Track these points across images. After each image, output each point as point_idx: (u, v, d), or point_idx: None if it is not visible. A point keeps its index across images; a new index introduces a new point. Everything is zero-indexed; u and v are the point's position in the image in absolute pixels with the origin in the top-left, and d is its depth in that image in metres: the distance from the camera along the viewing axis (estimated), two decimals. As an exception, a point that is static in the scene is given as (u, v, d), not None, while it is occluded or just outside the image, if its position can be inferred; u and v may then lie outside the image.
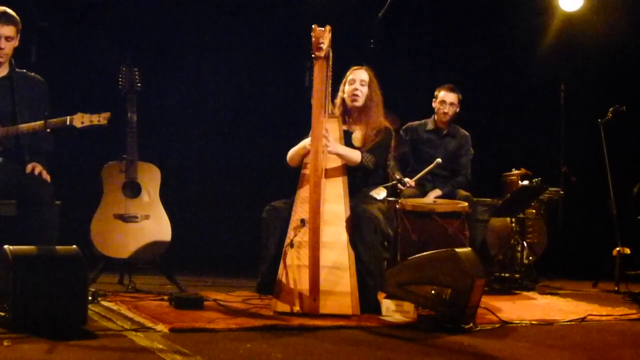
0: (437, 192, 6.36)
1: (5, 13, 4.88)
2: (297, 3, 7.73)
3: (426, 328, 4.25)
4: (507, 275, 6.68)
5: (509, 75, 8.23)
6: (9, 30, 4.87)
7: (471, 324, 4.30)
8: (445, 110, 6.59)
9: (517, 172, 7.05)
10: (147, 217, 5.52)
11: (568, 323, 4.70)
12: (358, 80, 5.20)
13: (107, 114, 4.88)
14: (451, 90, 6.62)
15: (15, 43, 4.94)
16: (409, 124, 6.70)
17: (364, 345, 3.86)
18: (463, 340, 3.98)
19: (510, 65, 8.23)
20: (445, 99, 6.60)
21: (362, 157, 5.03)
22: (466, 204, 6.06)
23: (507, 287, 6.41)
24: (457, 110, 6.65)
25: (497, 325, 4.46)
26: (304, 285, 4.61)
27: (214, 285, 5.96)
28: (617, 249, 6.56)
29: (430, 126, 6.70)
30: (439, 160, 6.20)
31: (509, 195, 6.69)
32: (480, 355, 3.65)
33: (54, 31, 6.86)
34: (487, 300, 4.99)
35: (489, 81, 8.09)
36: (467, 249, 4.62)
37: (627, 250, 6.56)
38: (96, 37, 7.17)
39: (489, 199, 6.60)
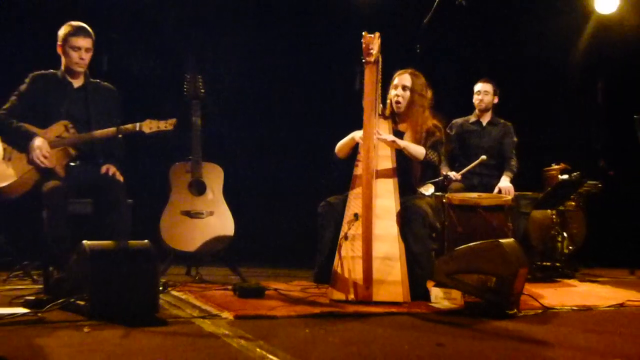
0: (507, 181, 6.35)
1: (83, 28, 4.98)
2: (347, 10, 7.74)
3: (472, 314, 4.24)
4: (548, 264, 6.63)
5: (549, 74, 8.12)
6: (87, 42, 4.97)
7: (515, 310, 4.29)
8: (481, 98, 6.68)
9: (557, 166, 7.00)
10: (211, 213, 5.57)
11: (607, 309, 4.66)
12: (400, 86, 5.17)
13: (173, 120, 4.94)
14: (485, 81, 6.71)
15: (91, 54, 5.04)
16: (454, 120, 6.73)
17: (414, 330, 3.87)
18: (507, 325, 3.98)
19: (550, 64, 8.13)
20: (480, 89, 6.69)
21: (427, 153, 5.04)
22: (510, 197, 6.04)
23: (548, 275, 6.37)
24: (495, 100, 6.71)
25: (540, 311, 4.44)
26: (358, 275, 4.62)
27: (273, 276, 6.01)
28: (655, 238, 6.51)
29: (472, 119, 6.75)
30: (484, 157, 6.20)
31: (549, 188, 6.65)
32: (524, 339, 3.64)
33: (126, 42, 6.94)
34: (530, 288, 4.96)
35: (529, 81, 8.01)
36: (511, 240, 4.60)
37: (664, 240, 6.51)
38: (160, 47, 7.26)
39: (530, 193, 6.54)
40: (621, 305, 4.77)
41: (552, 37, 8.09)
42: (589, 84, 7.94)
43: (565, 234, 6.74)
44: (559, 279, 6.28)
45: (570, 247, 6.80)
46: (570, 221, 6.86)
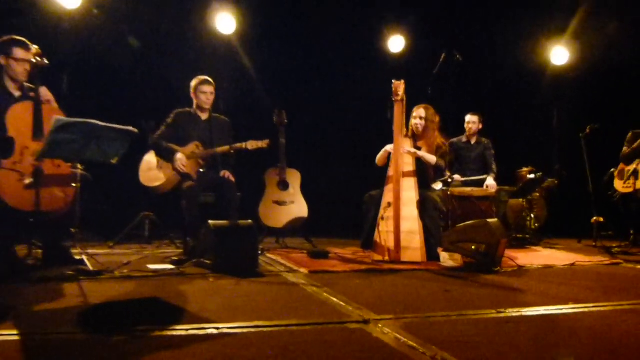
0: (491, 179, 6.23)
1: (208, 79, 5.04)
2: (383, 62, 7.73)
3: (469, 270, 4.20)
4: (520, 236, 6.52)
5: (519, 105, 8.02)
6: (211, 89, 5.04)
7: (499, 268, 4.23)
8: (470, 127, 6.57)
9: (526, 169, 6.88)
10: (292, 202, 5.61)
11: (563, 267, 4.56)
12: (418, 116, 5.15)
13: (267, 140, 4.96)
14: (473, 113, 6.60)
15: (214, 97, 5.09)
16: (451, 140, 6.62)
17: (429, 280, 3.85)
18: (494, 278, 3.93)
19: (520, 99, 8.03)
20: (469, 120, 6.58)
21: (437, 160, 5.01)
22: (494, 190, 5.97)
23: (521, 244, 6.26)
24: (480, 126, 6.59)
25: (516, 269, 4.37)
26: (390, 243, 4.62)
27: (334, 244, 6.01)
28: (595, 217, 6.35)
29: (464, 139, 6.63)
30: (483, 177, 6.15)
31: (521, 184, 6.55)
32: (505, 287, 3.59)
33: (238, 88, 7.02)
34: (509, 252, 4.87)
35: (507, 111, 7.89)
36: (495, 220, 4.53)
37: (601, 219, 6.35)
38: (257, 97, 7.35)
39: (507, 187, 6.44)
40: (572, 264, 4.66)
41: (521, 81, 7.98)
42: (548, 112, 7.80)
43: (532, 215, 6.64)
44: (528, 246, 6.16)
45: (536, 225, 6.68)
46: (536, 206, 6.72)
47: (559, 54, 7.92)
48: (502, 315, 2.79)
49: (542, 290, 3.49)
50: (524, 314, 2.83)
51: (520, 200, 6.65)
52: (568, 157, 7.22)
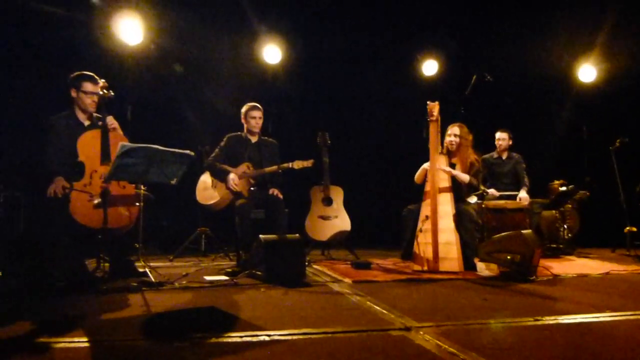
0: (524, 192, 6.07)
1: (257, 105, 5.07)
2: (418, 85, 7.68)
3: (505, 279, 4.08)
4: (554, 245, 6.33)
5: (549, 122, 7.85)
6: (260, 114, 5.05)
7: (534, 277, 4.10)
8: (500, 143, 6.40)
9: (557, 182, 6.71)
10: (336, 216, 5.58)
11: (597, 275, 4.39)
12: (453, 134, 5.07)
13: (311, 160, 4.96)
14: (502, 130, 6.43)
15: (262, 120, 5.12)
16: (483, 156, 6.48)
17: (468, 289, 3.75)
18: (530, 287, 3.81)
19: (548, 115, 7.86)
20: (499, 137, 6.41)
21: (470, 179, 4.90)
22: (527, 202, 5.81)
23: (555, 253, 6.06)
24: (510, 142, 6.40)
25: (551, 277, 4.23)
26: (429, 254, 4.53)
27: (375, 255, 5.95)
28: (628, 227, 6.13)
29: (495, 155, 6.48)
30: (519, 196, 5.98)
31: (553, 196, 6.37)
32: (541, 296, 3.47)
33: (284, 112, 7.05)
34: (543, 262, 4.72)
35: (538, 125, 7.73)
36: (529, 231, 4.40)
37: (634, 229, 6.13)
38: (301, 116, 7.39)
39: (540, 199, 6.27)
40: (607, 273, 4.49)
41: (551, 97, 7.81)
42: (578, 126, 7.59)
43: (565, 226, 6.43)
44: (562, 256, 5.96)
45: (569, 235, 6.47)
46: (568, 217, 6.52)
47: (587, 72, 7.72)
48: (539, 322, 2.69)
49: (578, 299, 3.36)
50: (560, 321, 2.72)
51: (553, 211, 6.47)
52: (598, 170, 7.00)
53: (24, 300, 3.26)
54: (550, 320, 2.73)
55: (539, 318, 2.75)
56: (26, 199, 5.28)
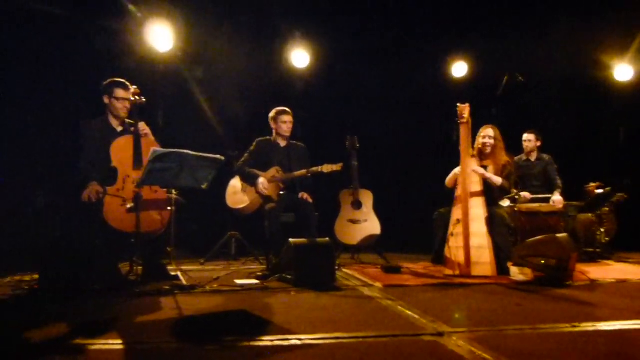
0: (557, 195, 5.94)
1: (286, 109, 5.08)
2: (448, 87, 7.61)
3: (540, 284, 3.99)
4: (591, 250, 6.16)
5: (587, 124, 7.67)
6: (290, 118, 5.06)
7: (570, 282, 4.01)
8: (527, 145, 6.26)
9: (593, 184, 6.53)
10: (366, 220, 5.54)
11: (637, 281, 4.26)
12: (486, 136, 4.99)
13: (341, 164, 4.93)
14: (529, 131, 6.29)
15: (292, 125, 5.12)
16: (514, 158, 6.37)
17: (501, 294, 3.69)
18: (566, 292, 3.72)
19: (586, 118, 7.67)
20: (525, 138, 6.28)
21: (502, 182, 4.83)
22: (561, 205, 5.69)
23: (592, 258, 5.90)
24: (538, 143, 6.25)
25: (588, 282, 4.12)
26: (460, 258, 4.47)
27: (406, 259, 5.89)
28: (668, 231, 5.96)
29: (524, 157, 6.35)
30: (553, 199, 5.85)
31: (589, 199, 6.22)
32: (578, 301, 3.39)
33: (313, 116, 7.05)
34: (579, 266, 4.61)
35: (573, 125, 7.57)
36: (564, 234, 4.31)
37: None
38: (330, 119, 7.38)
39: (575, 202, 6.14)
40: (646, 278, 4.36)
41: (587, 98, 7.64)
42: (614, 128, 7.40)
43: (602, 230, 6.26)
44: (599, 260, 5.80)
45: (607, 238, 6.30)
46: (605, 220, 6.34)
47: (623, 71, 7.53)
48: (576, 329, 2.63)
49: (617, 305, 3.27)
50: (598, 328, 2.65)
51: (590, 215, 6.31)
52: (637, 172, 6.83)
53: (60, 302, 3.33)
54: (588, 326, 2.66)
55: (576, 324, 2.69)
56: (65, 204, 5.40)
